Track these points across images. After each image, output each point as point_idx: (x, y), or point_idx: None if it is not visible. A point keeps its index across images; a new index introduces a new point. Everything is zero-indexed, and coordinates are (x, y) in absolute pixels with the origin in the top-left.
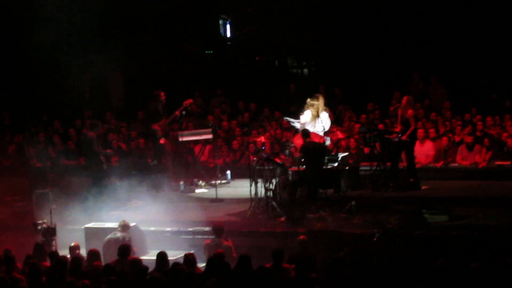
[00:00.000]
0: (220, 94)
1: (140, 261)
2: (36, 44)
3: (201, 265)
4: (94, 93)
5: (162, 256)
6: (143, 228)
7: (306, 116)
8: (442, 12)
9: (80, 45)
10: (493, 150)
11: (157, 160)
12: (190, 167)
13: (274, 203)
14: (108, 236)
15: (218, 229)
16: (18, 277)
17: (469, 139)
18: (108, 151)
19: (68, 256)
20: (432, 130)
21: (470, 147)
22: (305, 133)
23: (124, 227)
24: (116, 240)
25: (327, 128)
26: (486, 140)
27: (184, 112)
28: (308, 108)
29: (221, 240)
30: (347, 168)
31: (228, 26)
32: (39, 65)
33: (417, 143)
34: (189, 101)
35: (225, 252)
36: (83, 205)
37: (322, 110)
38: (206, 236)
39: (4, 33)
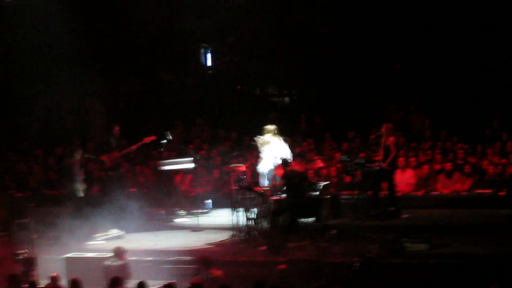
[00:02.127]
0: (200, 123)
1: None
2: (14, 72)
3: None
4: (74, 123)
5: (142, 285)
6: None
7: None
8: (422, 40)
9: (59, 74)
10: (474, 178)
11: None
12: (171, 196)
13: (255, 232)
14: (107, 263)
15: (206, 261)
16: None
17: (448, 166)
18: (83, 183)
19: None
20: (412, 159)
21: (449, 175)
22: (285, 162)
23: (120, 253)
24: (114, 267)
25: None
26: (466, 167)
27: (165, 141)
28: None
29: (210, 271)
30: (328, 196)
31: (209, 55)
32: (17, 94)
33: (398, 172)
34: (151, 138)
35: (218, 282)
36: (63, 234)
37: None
38: (187, 266)
39: None
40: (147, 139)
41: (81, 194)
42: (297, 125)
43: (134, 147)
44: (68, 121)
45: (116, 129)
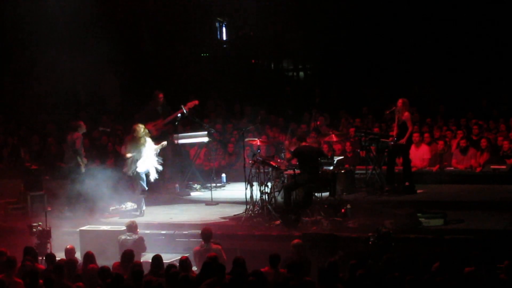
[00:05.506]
0: (215, 97)
1: (135, 264)
2: (30, 46)
3: (194, 269)
4: (89, 96)
5: (157, 259)
6: (138, 230)
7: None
8: (437, 16)
9: (75, 47)
10: (489, 153)
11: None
12: (185, 170)
13: (269, 206)
14: (123, 237)
15: (206, 234)
16: (15, 280)
17: (463, 143)
18: (84, 158)
19: (63, 258)
20: (427, 135)
21: (463, 151)
22: (300, 137)
23: (133, 227)
24: (129, 241)
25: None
26: (483, 141)
27: (179, 116)
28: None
29: (210, 245)
30: (342, 171)
31: (224, 29)
32: (33, 68)
33: (413, 147)
34: (194, 102)
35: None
36: (77, 207)
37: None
38: (200, 240)
39: None
40: (190, 104)
41: (83, 170)
42: (312, 100)
43: (177, 113)
44: (82, 94)
45: (160, 96)
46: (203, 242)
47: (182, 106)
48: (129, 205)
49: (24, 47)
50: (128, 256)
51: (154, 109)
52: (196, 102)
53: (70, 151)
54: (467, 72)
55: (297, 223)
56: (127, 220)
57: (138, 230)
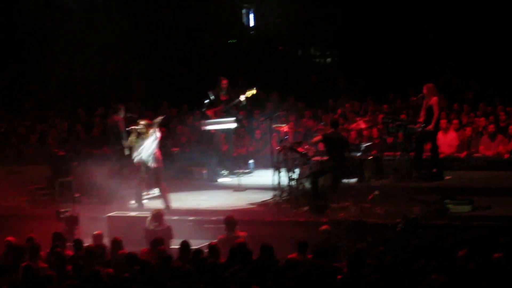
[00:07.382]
0: (242, 83)
1: (164, 250)
2: (59, 34)
3: None
4: (116, 83)
5: (185, 245)
6: (166, 217)
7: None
8: (464, 3)
9: (102, 34)
10: None
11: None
12: (213, 156)
13: (297, 192)
14: (151, 227)
15: (230, 222)
16: (42, 265)
17: (491, 128)
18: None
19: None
20: (455, 121)
21: (492, 137)
22: (334, 122)
23: (158, 216)
24: (155, 231)
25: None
26: (511, 128)
27: (212, 97)
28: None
29: (235, 233)
30: (370, 157)
31: (251, 15)
32: (62, 55)
33: (441, 133)
34: (252, 91)
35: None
36: (105, 193)
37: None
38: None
39: (25, 24)
40: (248, 93)
41: (127, 152)
42: (338, 86)
43: (236, 101)
44: (108, 82)
45: (224, 82)
46: (227, 231)
47: (241, 95)
48: (158, 191)
49: (51, 32)
50: (158, 243)
51: (217, 95)
52: (254, 91)
53: (112, 136)
54: (497, 57)
55: (325, 209)
56: (153, 208)
57: (164, 219)
